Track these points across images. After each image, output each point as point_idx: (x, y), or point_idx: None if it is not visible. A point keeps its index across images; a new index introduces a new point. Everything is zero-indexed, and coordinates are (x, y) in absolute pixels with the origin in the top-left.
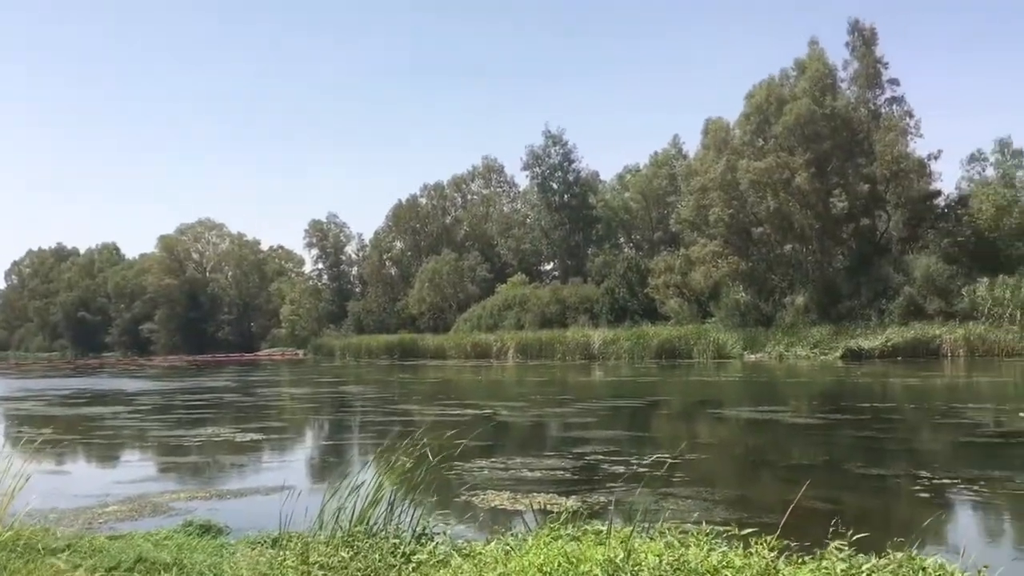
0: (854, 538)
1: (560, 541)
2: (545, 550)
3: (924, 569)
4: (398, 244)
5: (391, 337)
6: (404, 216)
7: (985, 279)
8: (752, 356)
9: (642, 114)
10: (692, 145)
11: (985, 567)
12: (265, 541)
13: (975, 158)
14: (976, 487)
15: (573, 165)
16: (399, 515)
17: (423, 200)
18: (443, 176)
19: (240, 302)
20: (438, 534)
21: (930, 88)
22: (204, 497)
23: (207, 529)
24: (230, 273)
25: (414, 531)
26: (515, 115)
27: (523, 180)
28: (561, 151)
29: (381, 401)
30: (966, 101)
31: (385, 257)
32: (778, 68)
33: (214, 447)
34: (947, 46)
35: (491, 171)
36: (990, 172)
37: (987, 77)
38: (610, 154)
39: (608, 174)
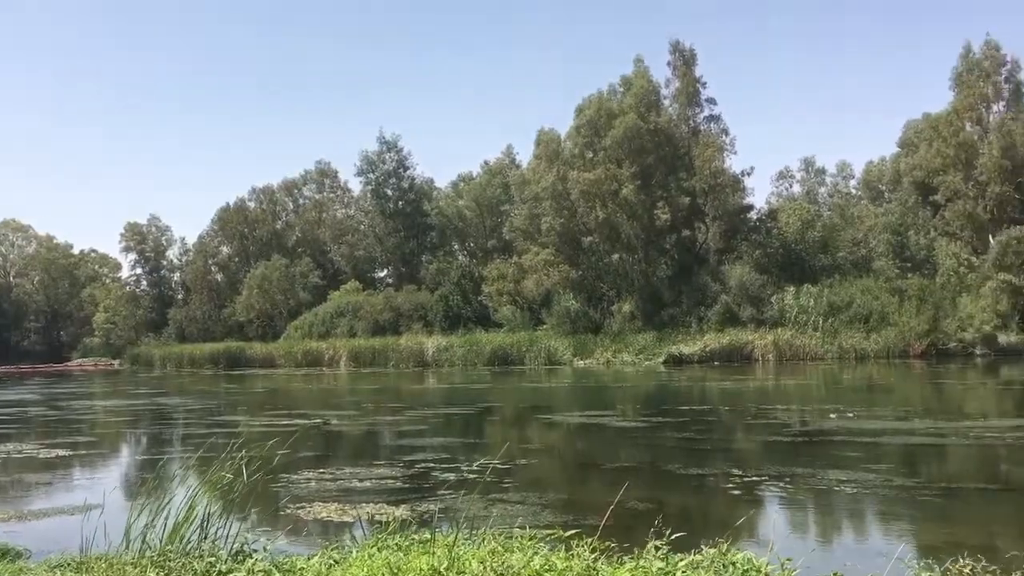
0: (673, 537)
1: (385, 552)
2: (369, 562)
3: (734, 564)
4: (225, 249)
5: (217, 345)
6: (232, 220)
7: (792, 288)
8: (582, 362)
9: (476, 123)
10: (525, 155)
11: (788, 560)
12: (69, 564)
13: (783, 175)
14: (782, 483)
15: (408, 172)
16: (216, 532)
17: (252, 204)
18: (273, 180)
19: (48, 309)
20: (258, 550)
21: (744, 107)
22: (2, 519)
23: (4, 553)
24: (37, 278)
25: (231, 548)
26: (351, 121)
27: (357, 186)
28: (395, 157)
29: (204, 412)
30: (776, 121)
31: (211, 262)
32: (607, 83)
33: (16, 465)
34: (761, 69)
35: (324, 176)
36: (796, 188)
37: (795, 100)
38: (445, 162)
39: (443, 182)
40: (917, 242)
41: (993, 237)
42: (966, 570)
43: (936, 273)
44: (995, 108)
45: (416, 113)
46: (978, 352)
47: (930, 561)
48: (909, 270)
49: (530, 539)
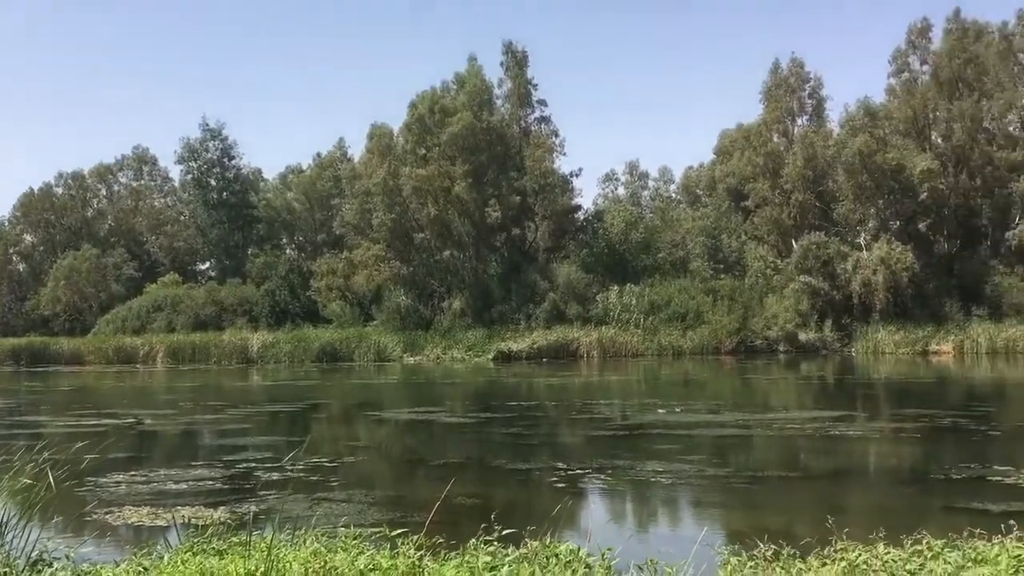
0: (502, 531)
1: (200, 556)
2: (182, 568)
3: (557, 555)
4: (28, 237)
5: (17, 340)
6: (36, 207)
7: (616, 287)
8: (412, 358)
9: (308, 115)
10: (357, 149)
11: (609, 549)
12: None
13: (609, 177)
14: (604, 475)
15: (233, 161)
16: (12, 540)
17: (59, 190)
18: (85, 165)
19: None
20: (59, 559)
21: (574, 110)
22: None
23: None
24: None
25: (29, 557)
26: (172, 106)
27: (178, 174)
28: (220, 146)
29: (2, 413)
30: (603, 124)
31: (12, 251)
32: (439, 80)
33: None
34: (590, 75)
35: (142, 162)
36: (621, 191)
37: (621, 104)
38: (273, 154)
39: (271, 173)
40: (729, 245)
41: (796, 242)
42: (768, 553)
43: (745, 275)
44: (799, 121)
45: (244, 102)
46: (781, 349)
47: (737, 546)
48: (722, 271)
49: (355, 538)
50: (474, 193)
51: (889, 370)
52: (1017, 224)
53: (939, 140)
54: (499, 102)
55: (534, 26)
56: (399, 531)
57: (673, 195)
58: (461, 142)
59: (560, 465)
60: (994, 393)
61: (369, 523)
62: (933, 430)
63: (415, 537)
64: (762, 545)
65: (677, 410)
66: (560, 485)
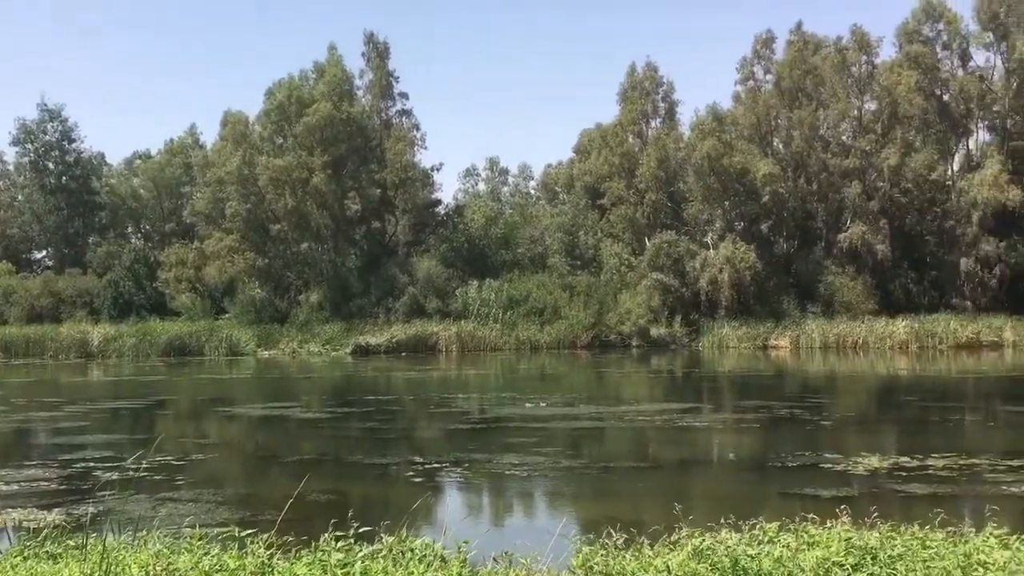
0: (357, 528)
1: (32, 561)
2: (11, 573)
3: (413, 550)
4: None
5: None
6: None
7: (475, 282)
8: (266, 353)
9: (157, 98)
10: (211, 135)
11: (465, 542)
12: None
13: (470, 173)
14: (461, 469)
15: (73, 145)
16: None
17: None
18: None
19: None
20: None
21: (436, 105)
22: None
23: None
24: None
25: None
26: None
27: (13, 157)
28: (59, 128)
29: None
30: (466, 120)
31: None
32: (299, 68)
33: None
34: (453, 70)
35: None
36: (482, 186)
37: (483, 101)
38: (120, 138)
39: (117, 158)
40: (586, 242)
41: (649, 240)
42: (620, 541)
43: (601, 271)
44: (653, 123)
45: (90, 85)
46: (634, 344)
47: (591, 536)
48: (579, 267)
49: (200, 539)
50: (333, 185)
51: (733, 364)
52: (848, 227)
53: (780, 146)
54: (360, 93)
55: (398, 20)
56: (248, 530)
57: (533, 192)
58: (320, 132)
59: (417, 459)
60: (826, 385)
61: (217, 523)
62: (771, 420)
63: (265, 536)
64: (614, 533)
65: (542, 404)
66: (417, 479)
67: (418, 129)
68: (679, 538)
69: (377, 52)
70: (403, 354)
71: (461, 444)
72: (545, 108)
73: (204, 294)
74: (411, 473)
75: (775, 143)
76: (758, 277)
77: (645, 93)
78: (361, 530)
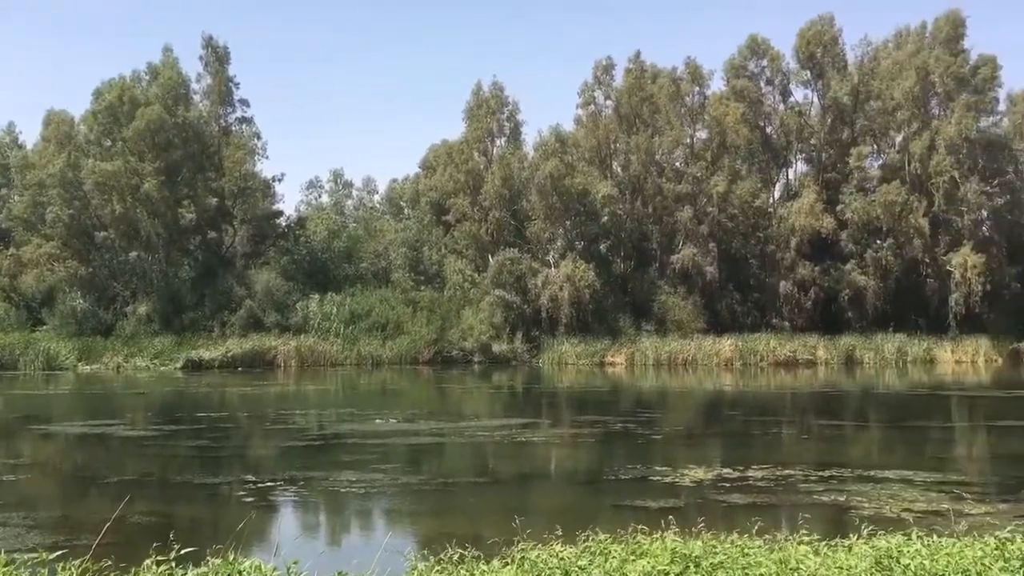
0: (181, 550)
1: None
2: None
3: (240, 572)
4: None
5: None
6: None
7: (317, 296)
8: (88, 367)
9: None
10: (32, 135)
11: (295, 562)
12: None
13: (313, 184)
14: (296, 487)
15: None
16: None
17: None
18: None
19: None
20: None
21: (279, 114)
22: None
23: None
24: None
25: None
26: None
27: None
28: None
29: None
30: (309, 130)
31: None
32: (130, 69)
33: None
34: (297, 79)
35: None
36: (325, 199)
37: (328, 113)
38: None
39: None
40: (430, 257)
41: (492, 257)
42: (455, 557)
43: (445, 287)
44: (498, 142)
45: None
46: (476, 360)
47: (426, 552)
48: (422, 283)
49: (6, 565)
50: (166, 192)
51: (571, 380)
52: (680, 249)
53: (619, 169)
54: (197, 98)
55: (241, 26)
56: (58, 554)
57: (377, 206)
58: (152, 137)
59: (250, 478)
60: (658, 401)
61: (27, 548)
62: (606, 434)
63: (79, 561)
64: (449, 549)
65: (381, 421)
66: (249, 499)
67: (259, 138)
68: (514, 552)
69: (216, 56)
70: (239, 369)
71: (297, 462)
72: (392, 122)
73: (19, 304)
74: (243, 493)
75: (614, 166)
76: (596, 295)
77: (491, 112)
78: (185, 552)
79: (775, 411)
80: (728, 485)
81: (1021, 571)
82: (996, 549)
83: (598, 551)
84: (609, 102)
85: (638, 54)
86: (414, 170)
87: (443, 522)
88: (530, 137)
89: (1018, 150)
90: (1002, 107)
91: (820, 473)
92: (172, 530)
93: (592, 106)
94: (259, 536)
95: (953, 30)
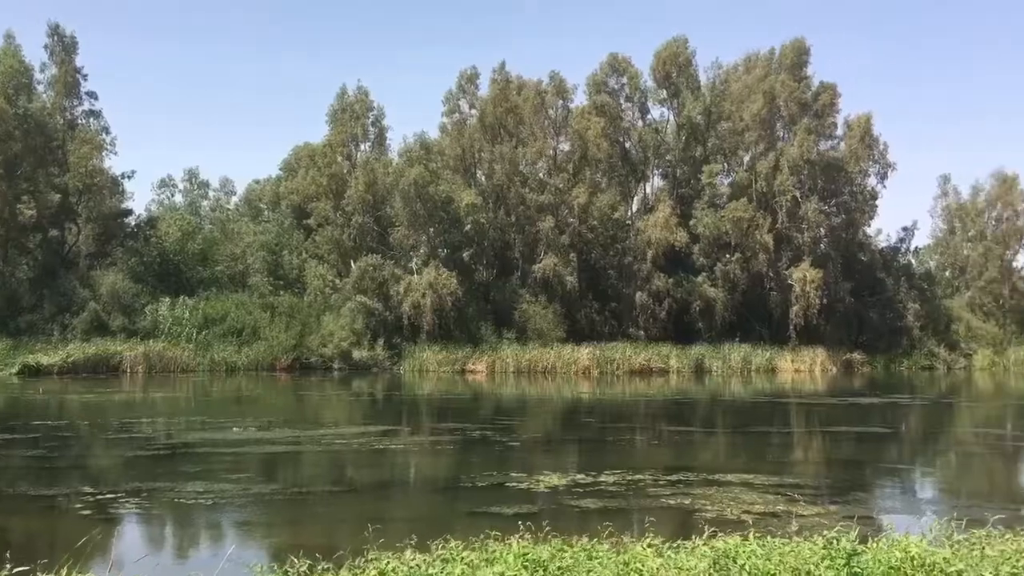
0: (14, 569)
1: None
2: None
3: None
4: None
5: None
6: None
7: (168, 299)
8: None
9: None
10: None
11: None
12: None
13: (165, 183)
14: (140, 499)
15: None
16: None
17: None
18: None
19: None
20: None
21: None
22: None
23: None
24: None
25: None
26: None
27: None
28: None
29: None
30: (162, 126)
31: None
32: None
33: None
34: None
35: None
36: (179, 198)
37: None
38: None
39: None
40: (290, 262)
41: (354, 263)
42: (303, 568)
43: (305, 292)
44: (363, 147)
45: None
46: (336, 366)
47: (274, 564)
48: (282, 288)
49: None
50: (3, 186)
51: (432, 387)
52: (542, 258)
53: (483, 178)
54: (41, 88)
55: (90, 16)
56: None
57: (235, 207)
58: None
59: (90, 490)
60: (517, 408)
61: None
62: (465, 442)
63: None
64: (297, 561)
65: (235, 429)
66: (87, 512)
67: (108, 132)
68: (365, 562)
69: (63, 45)
70: (82, 375)
71: (142, 472)
72: (251, 123)
73: None
74: (82, 506)
75: (478, 175)
76: (459, 303)
77: (356, 116)
78: (17, 571)
79: (629, 418)
80: (582, 490)
81: (845, 569)
82: (824, 548)
83: (449, 558)
84: (474, 111)
85: (503, 65)
86: (275, 172)
87: (296, 533)
88: (396, 143)
89: (853, 172)
90: (840, 132)
91: (668, 477)
92: (5, 547)
93: (457, 114)
94: (99, 552)
95: (797, 57)
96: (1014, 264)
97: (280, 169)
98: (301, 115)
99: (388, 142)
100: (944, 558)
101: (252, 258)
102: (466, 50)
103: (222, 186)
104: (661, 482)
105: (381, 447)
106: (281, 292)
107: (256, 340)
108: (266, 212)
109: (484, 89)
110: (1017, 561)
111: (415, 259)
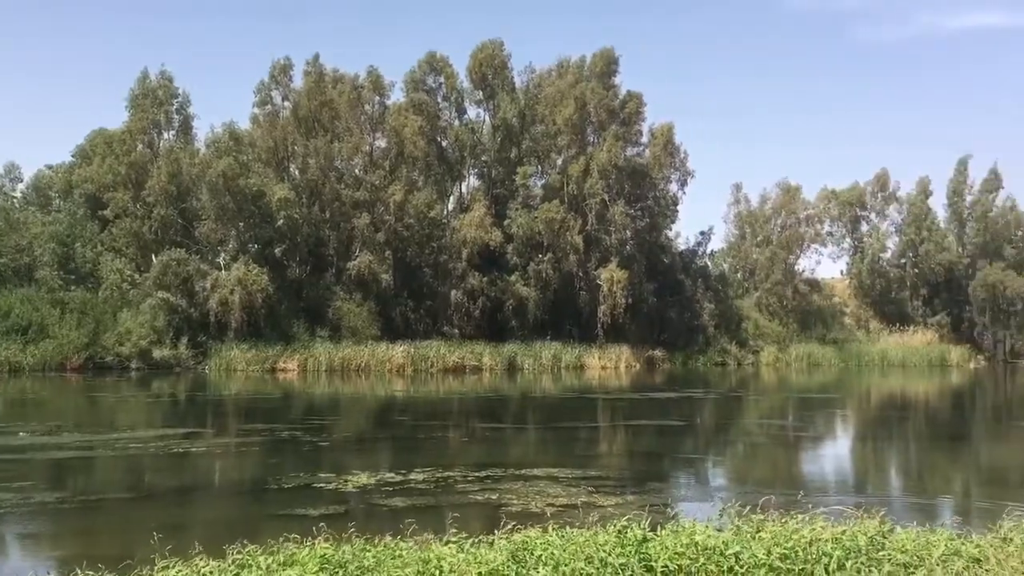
0: None
1: None
2: None
3: None
4: None
5: None
6: None
7: None
8: None
9: None
10: None
11: None
12: None
13: None
14: None
15: None
16: None
17: None
18: None
19: None
20: None
21: None
22: None
23: None
24: None
25: None
26: None
27: None
28: None
29: None
30: None
31: None
32: None
33: None
34: None
35: None
36: None
37: None
38: None
39: None
40: (84, 255)
41: (155, 257)
42: None
43: (100, 287)
44: (166, 135)
45: None
46: (134, 366)
47: None
48: (73, 282)
49: None
50: None
51: (240, 387)
52: (357, 256)
53: (296, 172)
54: None
55: None
56: None
57: (22, 195)
58: None
59: None
60: (329, 407)
61: None
62: (274, 443)
63: None
64: (80, 572)
65: (20, 434)
66: None
67: None
68: (154, 570)
69: None
70: None
71: None
72: (41, 106)
73: None
74: None
75: (292, 169)
76: (270, 300)
77: (158, 102)
78: None
79: (442, 416)
80: (391, 489)
81: (635, 556)
82: (617, 536)
83: (246, 563)
84: (287, 103)
85: (317, 57)
86: (67, 159)
87: (86, 543)
88: (203, 132)
89: (657, 178)
90: (645, 139)
91: (477, 474)
92: None
93: (269, 106)
94: None
95: (606, 66)
96: (796, 267)
97: (73, 155)
98: (99, 100)
99: (195, 131)
100: (724, 542)
101: (40, 250)
102: (281, 46)
103: (7, 172)
104: (470, 478)
105: (182, 451)
106: (73, 287)
107: (44, 338)
108: (57, 201)
109: (298, 81)
110: (786, 541)
111: (223, 254)
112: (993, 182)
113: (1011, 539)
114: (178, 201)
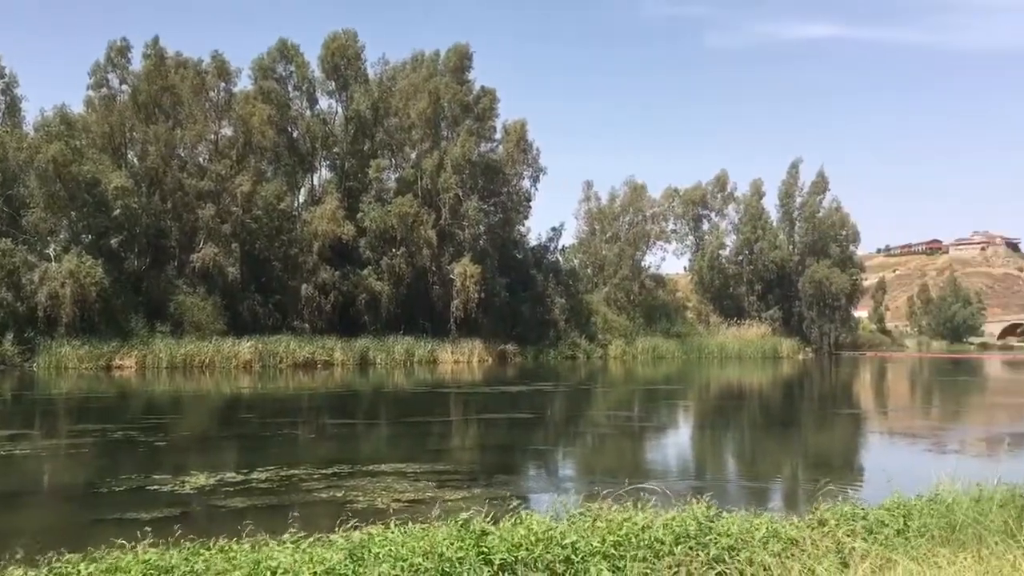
0: None
1: None
2: None
3: None
4: None
5: None
6: None
7: None
8: None
9: None
10: None
11: None
12: None
13: None
14: None
15: None
16: None
17: None
18: None
19: None
20: None
21: None
22: None
23: None
24: None
25: None
26: None
27: None
28: None
29: None
30: None
31: None
32: None
33: None
34: None
35: None
36: None
37: None
38: None
39: None
40: None
41: None
42: None
43: None
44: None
45: None
46: None
47: None
48: None
49: None
50: None
51: (71, 386)
52: (201, 248)
53: (135, 160)
54: None
55: None
56: None
57: None
58: None
59: None
60: (169, 406)
61: None
62: (107, 444)
63: None
64: None
65: None
66: None
67: None
68: None
69: None
70: None
71: None
72: None
73: None
74: None
75: (130, 156)
76: (105, 294)
77: None
78: None
79: (290, 412)
80: (231, 489)
81: (474, 549)
82: (458, 530)
83: (64, 573)
84: (125, 87)
85: (156, 40)
86: None
87: None
88: (32, 116)
89: (510, 174)
90: (499, 135)
91: (324, 471)
92: None
93: (105, 89)
94: None
95: (460, 61)
96: (643, 263)
97: None
98: None
99: (23, 114)
100: (561, 532)
101: None
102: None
103: None
104: (316, 476)
105: (4, 453)
106: None
107: None
108: None
109: (137, 65)
110: (620, 529)
111: (53, 245)
112: (820, 184)
113: (826, 520)
114: (4, 188)
